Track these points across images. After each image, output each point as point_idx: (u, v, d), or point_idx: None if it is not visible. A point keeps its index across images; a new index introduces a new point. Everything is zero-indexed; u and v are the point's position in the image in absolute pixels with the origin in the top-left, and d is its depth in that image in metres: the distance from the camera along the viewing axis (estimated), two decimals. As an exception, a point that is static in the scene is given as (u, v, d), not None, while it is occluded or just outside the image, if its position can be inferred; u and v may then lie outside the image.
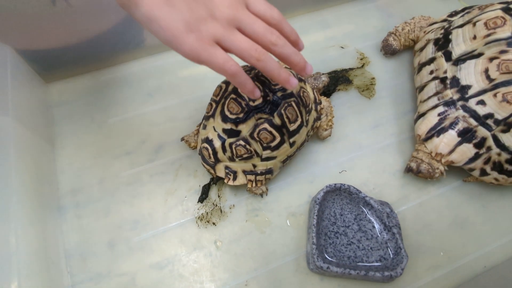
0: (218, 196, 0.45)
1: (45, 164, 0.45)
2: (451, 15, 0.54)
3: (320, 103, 0.47)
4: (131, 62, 0.57)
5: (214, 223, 0.43)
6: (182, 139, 0.47)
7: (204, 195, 0.45)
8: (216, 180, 0.46)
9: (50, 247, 0.40)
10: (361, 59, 0.59)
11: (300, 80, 0.43)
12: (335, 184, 0.43)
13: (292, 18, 0.64)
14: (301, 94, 0.42)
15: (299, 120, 0.41)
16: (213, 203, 0.45)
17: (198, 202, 0.45)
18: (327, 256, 0.40)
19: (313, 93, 0.46)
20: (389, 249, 0.40)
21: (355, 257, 0.41)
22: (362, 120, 0.52)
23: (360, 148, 0.50)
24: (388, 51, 0.58)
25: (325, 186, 0.43)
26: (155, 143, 0.49)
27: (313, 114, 0.45)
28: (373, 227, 0.42)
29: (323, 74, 0.52)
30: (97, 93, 0.53)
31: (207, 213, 0.44)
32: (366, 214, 0.43)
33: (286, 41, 0.32)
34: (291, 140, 0.41)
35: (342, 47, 0.60)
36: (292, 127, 0.41)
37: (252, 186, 0.43)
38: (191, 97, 0.53)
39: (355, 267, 0.39)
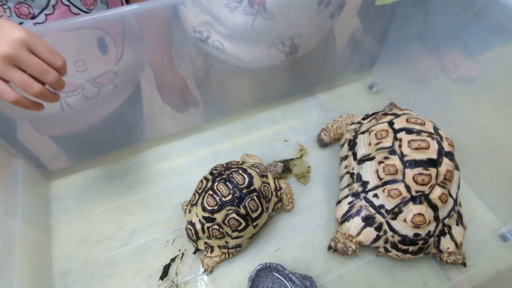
0: (176, 274, 0.57)
1: (42, 251, 0.57)
2: (363, 118, 0.68)
3: (280, 189, 0.61)
4: (117, 160, 0.72)
5: (170, 298, 0.54)
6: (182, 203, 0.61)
7: (164, 274, 0.56)
8: (196, 251, 0.58)
9: (41, 321, 0.51)
10: (300, 150, 0.73)
11: (262, 176, 0.58)
12: (266, 263, 0.54)
13: (248, 117, 0.80)
14: (262, 189, 0.56)
15: (260, 209, 0.55)
16: (171, 280, 0.56)
17: (159, 279, 0.56)
18: (255, 326, 0.50)
19: (274, 183, 0.60)
20: (305, 319, 0.51)
21: (280, 326, 0.51)
22: (297, 204, 0.65)
23: (294, 229, 0.62)
24: (321, 144, 0.73)
25: (258, 265, 0.54)
26: (129, 229, 0.62)
27: (273, 199, 0.59)
28: (295, 299, 0.53)
29: (279, 161, 0.66)
30: (88, 188, 0.67)
31: (165, 289, 0.55)
32: (290, 288, 0.54)
33: (59, 79, 0.41)
34: (254, 224, 0.55)
35: (285, 140, 0.75)
36: (254, 215, 0.54)
37: (225, 257, 0.56)
38: (161, 188, 0.67)
39: (276, 334, 0.49)
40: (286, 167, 0.70)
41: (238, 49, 0.67)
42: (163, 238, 0.61)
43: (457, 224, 0.56)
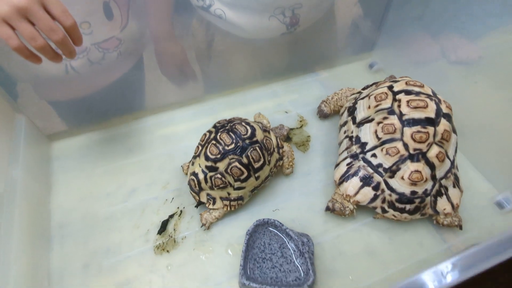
0: (174, 230, 0.57)
1: (42, 205, 0.58)
2: (364, 88, 0.70)
3: (282, 147, 0.62)
4: (119, 125, 0.72)
5: (168, 251, 0.54)
6: (181, 165, 0.64)
7: (162, 229, 0.57)
8: (198, 204, 0.58)
9: (38, 268, 0.51)
10: (301, 121, 0.74)
11: (265, 131, 0.59)
12: (264, 219, 0.54)
13: (249, 90, 0.81)
14: (264, 141, 0.57)
15: (262, 160, 0.55)
16: (169, 235, 0.56)
17: (157, 234, 0.56)
18: (252, 276, 0.50)
19: (276, 140, 0.61)
20: (301, 271, 0.51)
21: (276, 278, 0.51)
22: (296, 170, 0.65)
23: (293, 192, 0.63)
24: (321, 115, 0.74)
25: (256, 220, 0.54)
26: (130, 188, 0.62)
27: (275, 155, 0.60)
28: (292, 253, 0.53)
29: (285, 126, 0.67)
30: (89, 149, 0.68)
31: (163, 243, 0.55)
32: (287, 243, 0.54)
33: (65, 40, 0.43)
34: (256, 175, 0.55)
35: (286, 112, 0.76)
36: (256, 165, 0.55)
37: (226, 209, 0.57)
38: (162, 151, 0.68)
39: (273, 284, 0.49)
40: (287, 136, 0.71)
41: (239, 17, 0.68)
42: (162, 197, 0.61)
43: (454, 186, 0.57)
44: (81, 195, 0.61)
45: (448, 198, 0.56)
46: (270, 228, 0.55)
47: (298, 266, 0.51)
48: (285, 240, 0.54)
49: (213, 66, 0.81)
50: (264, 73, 0.82)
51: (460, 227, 0.57)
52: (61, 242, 0.55)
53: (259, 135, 0.56)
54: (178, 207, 0.60)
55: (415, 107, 0.53)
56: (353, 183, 0.57)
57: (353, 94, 0.71)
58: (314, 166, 0.66)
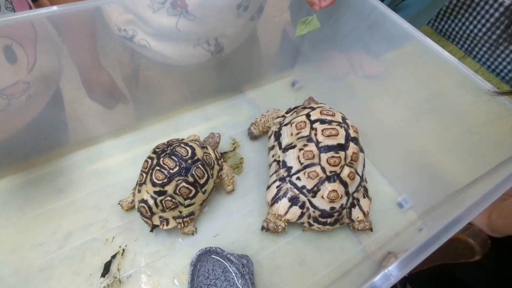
0: (118, 270, 0.58)
1: (-36, 265, 0.54)
2: (287, 112, 0.77)
3: (221, 158, 0.67)
4: (45, 164, 0.69)
5: (114, 292, 0.56)
6: (119, 203, 0.64)
7: (105, 271, 0.57)
8: (153, 228, 0.60)
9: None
10: (233, 143, 0.79)
11: (203, 147, 0.63)
12: (206, 248, 0.59)
13: (182, 114, 0.83)
14: (205, 158, 0.61)
15: (206, 175, 0.60)
16: (113, 276, 0.57)
17: (101, 277, 0.57)
18: (198, 304, 0.55)
19: (214, 153, 0.66)
20: (243, 291, 0.57)
21: (221, 301, 0.56)
22: (233, 192, 0.71)
23: (231, 214, 0.68)
24: (251, 137, 0.80)
25: (198, 250, 0.59)
26: (65, 232, 0.61)
27: (216, 167, 0.64)
28: (234, 276, 0.58)
29: (216, 133, 0.71)
30: (12, 195, 0.64)
31: (108, 285, 0.56)
32: (229, 267, 0.59)
33: None
34: (203, 190, 0.60)
35: (219, 135, 0.80)
36: (202, 181, 0.59)
37: (181, 227, 0.60)
38: (95, 188, 0.67)
39: (219, 308, 0.54)
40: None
41: (165, 47, 0.69)
42: (102, 237, 0.61)
43: (364, 197, 0.68)
44: (10, 247, 0.58)
45: (360, 208, 0.66)
46: (213, 255, 0.60)
47: (241, 286, 0.57)
48: (227, 264, 0.59)
49: (142, 91, 0.81)
50: (195, 96, 0.85)
51: (371, 229, 0.68)
52: (-7, 303, 0.53)
53: (199, 153, 0.60)
54: (120, 246, 0.61)
55: (328, 135, 0.62)
56: (283, 204, 0.64)
57: (278, 117, 0.78)
58: (248, 187, 0.72)
